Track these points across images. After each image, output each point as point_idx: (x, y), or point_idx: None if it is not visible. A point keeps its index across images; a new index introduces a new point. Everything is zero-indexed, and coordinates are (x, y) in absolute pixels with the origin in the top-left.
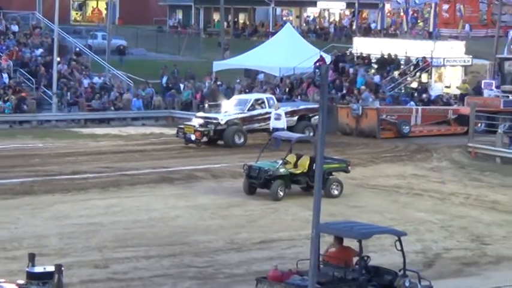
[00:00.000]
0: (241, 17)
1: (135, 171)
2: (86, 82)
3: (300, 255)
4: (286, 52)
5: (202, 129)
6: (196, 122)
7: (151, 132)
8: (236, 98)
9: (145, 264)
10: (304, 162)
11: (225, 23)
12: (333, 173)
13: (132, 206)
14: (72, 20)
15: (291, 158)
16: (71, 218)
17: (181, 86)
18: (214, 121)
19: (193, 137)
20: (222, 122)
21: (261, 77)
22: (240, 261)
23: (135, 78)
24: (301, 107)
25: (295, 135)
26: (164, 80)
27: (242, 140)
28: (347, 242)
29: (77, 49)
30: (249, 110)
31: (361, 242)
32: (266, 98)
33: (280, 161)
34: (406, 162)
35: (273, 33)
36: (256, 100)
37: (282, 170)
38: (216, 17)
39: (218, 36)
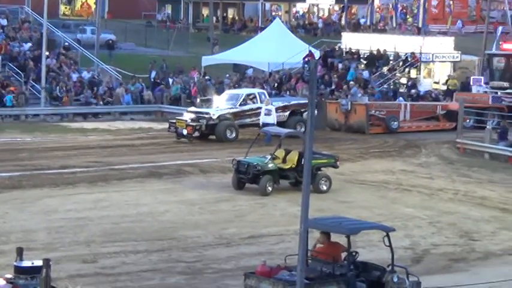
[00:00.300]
0: (231, 12)
1: (123, 165)
2: (74, 76)
3: (288, 250)
4: (275, 47)
5: (194, 124)
6: (188, 116)
7: (140, 127)
8: (228, 92)
9: (134, 259)
10: (293, 157)
11: (214, 18)
12: (322, 169)
13: (120, 201)
14: (61, 14)
15: (280, 153)
16: (59, 212)
17: (170, 80)
18: (206, 116)
19: (185, 132)
20: (214, 117)
21: (250, 72)
22: (229, 257)
23: (123, 73)
24: (293, 102)
25: (284, 131)
26: (153, 74)
27: (234, 134)
28: (335, 237)
29: (66, 43)
30: (240, 104)
31: (350, 237)
32: (258, 93)
33: (269, 156)
34: (395, 157)
35: (262, 28)
36: (248, 95)
37: (270, 165)
38: (205, 11)
39: (207, 31)
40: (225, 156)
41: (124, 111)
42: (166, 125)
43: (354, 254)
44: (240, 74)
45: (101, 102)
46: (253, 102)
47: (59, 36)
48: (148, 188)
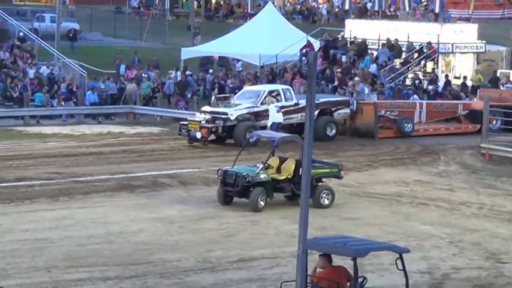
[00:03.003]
0: None
1: (89, 177)
2: (31, 72)
3: (284, 276)
4: (267, 37)
5: (209, 125)
6: (202, 117)
7: (109, 132)
8: (247, 89)
9: (102, 287)
10: (289, 166)
11: (196, 3)
12: (323, 179)
13: (86, 219)
14: (15, 0)
15: (274, 161)
16: (14, 233)
17: (144, 76)
18: (223, 116)
19: (198, 135)
20: (232, 118)
21: (238, 66)
22: (214, 283)
23: (89, 68)
24: (322, 100)
25: (279, 135)
26: (122, 69)
27: (255, 137)
28: (338, 260)
29: (21, 34)
30: (262, 103)
31: (356, 260)
32: (282, 89)
33: (261, 165)
34: (409, 166)
35: (252, 15)
36: (271, 92)
37: (262, 176)
38: None
39: (187, 19)
40: (209, 166)
41: (90, 113)
42: (139, 129)
43: (361, 279)
44: (225, 69)
45: (63, 103)
46: (277, 100)
47: (12, 26)
48: (119, 203)
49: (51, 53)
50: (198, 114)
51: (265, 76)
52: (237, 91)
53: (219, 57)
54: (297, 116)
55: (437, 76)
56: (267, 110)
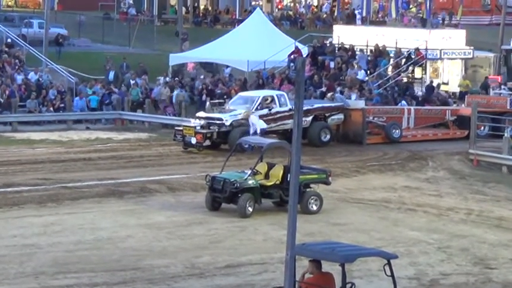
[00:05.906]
0: (203, 2)
1: (77, 183)
2: (19, 78)
3: (272, 282)
4: (255, 43)
5: (204, 131)
6: (197, 123)
7: (97, 138)
8: (242, 95)
9: None
10: (277, 172)
11: (184, 9)
12: (311, 185)
13: (74, 225)
14: (3, 6)
15: (262, 167)
16: (1, 238)
17: (132, 82)
18: (218, 122)
19: (193, 141)
20: (227, 123)
21: (227, 72)
22: None
23: (77, 74)
24: (316, 105)
25: (267, 141)
26: (111, 75)
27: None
28: (326, 266)
29: (9, 40)
30: (256, 109)
31: (344, 266)
32: (276, 95)
33: (249, 171)
34: (397, 172)
35: (240, 21)
36: (265, 98)
37: (251, 182)
38: (172, 1)
39: (175, 24)
40: (197, 172)
41: (78, 119)
42: (127, 135)
43: (349, 285)
44: (212, 74)
45: (51, 109)
46: (272, 106)
47: (0, 31)
48: (107, 209)
49: (40, 59)
50: (192, 120)
51: (254, 82)
52: (225, 97)
53: (205, 63)
54: (291, 121)
55: (433, 84)
56: (261, 116)
